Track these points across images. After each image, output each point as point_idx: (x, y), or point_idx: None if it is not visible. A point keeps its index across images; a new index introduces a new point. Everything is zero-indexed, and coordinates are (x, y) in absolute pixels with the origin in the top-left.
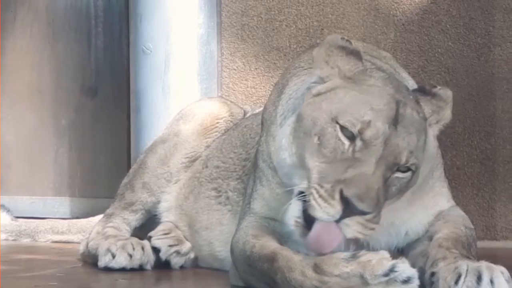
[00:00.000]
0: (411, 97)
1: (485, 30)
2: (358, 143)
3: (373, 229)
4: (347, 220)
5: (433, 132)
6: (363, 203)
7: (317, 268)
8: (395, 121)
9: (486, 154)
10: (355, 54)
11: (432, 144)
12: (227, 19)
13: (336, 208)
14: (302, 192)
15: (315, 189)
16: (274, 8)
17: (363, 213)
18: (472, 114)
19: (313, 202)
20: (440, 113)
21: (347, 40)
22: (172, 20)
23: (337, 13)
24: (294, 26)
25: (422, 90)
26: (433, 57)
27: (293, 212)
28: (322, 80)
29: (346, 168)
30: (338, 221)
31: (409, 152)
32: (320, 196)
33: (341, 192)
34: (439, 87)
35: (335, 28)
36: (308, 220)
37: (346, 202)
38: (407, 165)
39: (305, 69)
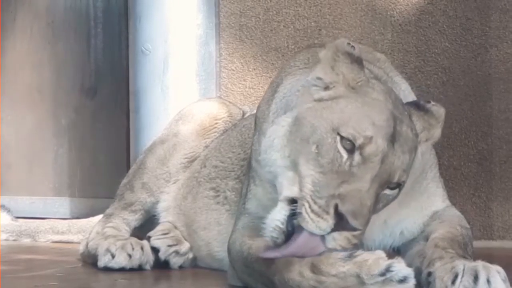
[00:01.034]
0: (406, 113)
1: (481, 30)
2: (356, 157)
3: (355, 244)
4: (335, 234)
5: (421, 149)
6: (356, 220)
7: (314, 268)
8: (392, 138)
9: (482, 154)
10: (359, 62)
11: (418, 160)
12: (226, 19)
13: (328, 223)
14: (291, 198)
15: (308, 202)
16: (272, 9)
17: (354, 229)
18: (469, 114)
19: (305, 215)
20: (430, 131)
21: (352, 46)
22: (170, 21)
23: (334, 13)
24: (292, 27)
25: (416, 105)
26: (430, 57)
27: (277, 216)
28: (324, 84)
29: (341, 183)
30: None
31: (402, 171)
32: (313, 211)
33: (335, 207)
34: (433, 103)
35: (332, 29)
36: (290, 227)
37: (339, 217)
38: (398, 182)
39: (300, 68)
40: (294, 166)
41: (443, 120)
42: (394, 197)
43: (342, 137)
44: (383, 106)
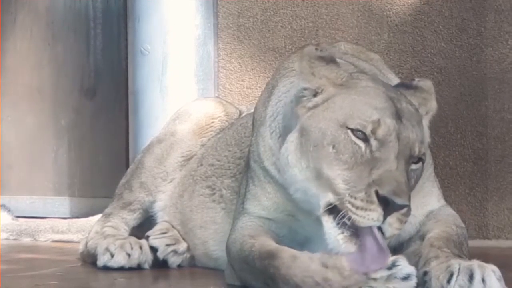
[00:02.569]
0: (399, 92)
1: (477, 31)
2: (373, 142)
3: (406, 221)
4: (389, 219)
5: (425, 122)
6: (400, 198)
7: (328, 260)
8: (398, 116)
9: (478, 154)
10: (334, 61)
11: (427, 134)
12: (224, 20)
13: (378, 212)
14: (330, 204)
15: (349, 202)
16: (270, 9)
17: (401, 207)
18: (464, 114)
19: (353, 215)
20: (427, 104)
21: (320, 49)
22: (169, 21)
23: (331, 14)
24: (289, 27)
25: (403, 86)
26: (426, 57)
27: (332, 231)
28: (312, 92)
29: (370, 170)
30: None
31: (420, 143)
32: (357, 207)
33: (377, 194)
34: (417, 79)
35: (329, 29)
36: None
37: (384, 202)
38: (420, 155)
39: (294, 69)
40: (318, 174)
41: (433, 91)
42: (421, 172)
43: (352, 130)
44: (377, 90)
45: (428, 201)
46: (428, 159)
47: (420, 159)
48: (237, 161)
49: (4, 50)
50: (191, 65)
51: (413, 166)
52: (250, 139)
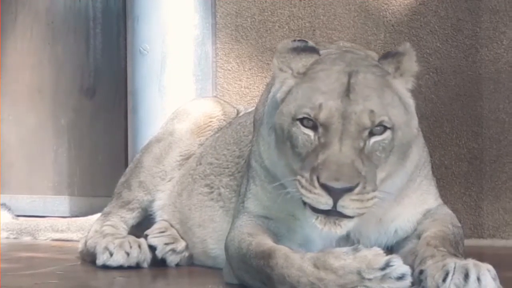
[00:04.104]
0: (366, 63)
1: (472, 31)
2: (320, 129)
3: (372, 198)
4: (341, 202)
5: (402, 84)
6: (338, 182)
7: (318, 261)
8: (347, 92)
9: (473, 154)
10: (309, 50)
11: (407, 95)
12: (222, 20)
13: (323, 196)
14: None
15: (298, 180)
16: (267, 10)
17: (347, 189)
18: (459, 114)
19: (303, 198)
20: (401, 66)
21: (300, 40)
22: (168, 21)
23: (328, 14)
24: (287, 27)
25: (383, 57)
26: (421, 57)
27: (309, 220)
28: (280, 87)
29: (316, 156)
30: (334, 206)
31: (370, 112)
32: (303, 186)
33: (318, 180)
34: (398, 46)
35: (326, 29)
36: None
37: (326, 188)
38: (379, 125)
39: None
40: (291, 170)
41: (410, 52)
42: (393, 140)
43: (301, 120)
44: (329, 71)
45: (426, 200)
46: (426, 157)
47: (385, 128)
48: (235, 160)
49: (4, 49)
50: (189, 65)
51: (377, 138)
52: (250, 138)
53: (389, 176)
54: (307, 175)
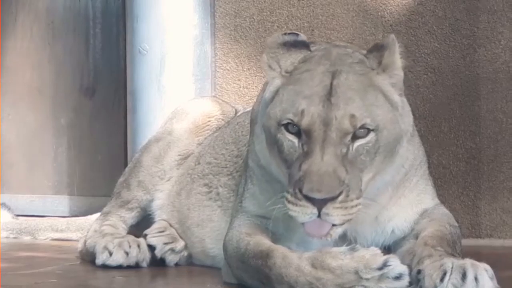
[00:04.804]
0: (350, 60)
1: (470, 31)
2: (303, 135)
3: (356, 205)
4: (324, 210)
5: (386, 80)
6: (320, 193)
7: (315, 261)
8: (328, 96)
9: (471, 153)
10: (299, 45)
11: (392, 91)
12: (221, 20)
13: (308, 207)
14: None
15: (285, 196)
16: (266, 10)
17: (330, 199)
18: (457, 114)
19: (290, 212)
20: (383, 61)
21: (290, 33)
22: (167, 21)
23: (327, 14)
24: (285, 27)
25: (369, 51)
26: (419, 57)
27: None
28: (269, 87)
29: (300, 165)
30: (319, 215)
31: (351, 116)
32: (290, 201)
33: (300, 192)
34: (384, 39)
35: (325, 29)
36: None
37: (309, 198)
38: (364, 127)
39: None
40: (282, 171)
41: (393, 45)
42: (376, 143)
43: (285, 125)
44: (313, 73)
45: (423, 200)
46: (422, 157)
47: (369, 130)
48: (234, 159)
49: (4, 49)
50: (188, 65)
51: (361, 141)
52: (248, 137)
53: (377, 174)
54: (291, 190)
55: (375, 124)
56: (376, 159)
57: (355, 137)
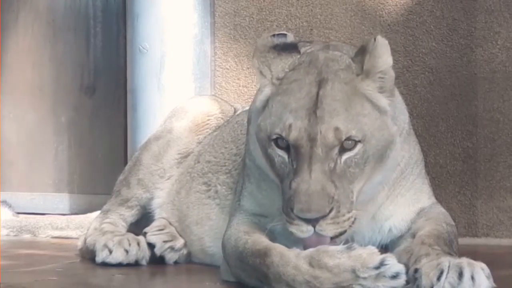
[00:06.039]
0: (337, 66)
1: (467, 31)
2: (292, 150)
3: (349, 219)
4: (318, 227)
5: (370, 86)
6: (310, 213)
7: (312, 260)
8: (314, 108)
9: (468, 153)
10: (289, 47)
11: (378, 96)
12: (220, 19)
13: (302, 225)
14: None
15: (281, 216)
16: (265, 9)
17: (322, 217)
18: (454, 113)
19: (289, 229)
20: (365, 66)
21: (279, 34)
22: (167, 20)
23: (325, 13)
24: (284, 26)
25: (356, 53)
26: (417, 57)
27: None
28: (260, 94)
29: (290, 183)
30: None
31: (335, 130)
32: (287, 221)
33: (292, 211)
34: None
35: (323, 29)
36: None
37: (301, 218)
38: (350, 139)
39: None
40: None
41: (376, 46)
42: (364, 153)
43: (275, 140)
44: (301, 83)
45: (419, 199)
46: (419, 155)
47: (355, 142)
48: (233, 158)
49: (5, 48)
50: (188, 64)
51: (348, 154)
52: (245, 137)
53: (369, 179)
54: (285, 209)
55: (361, 134)
56: (366, 168)
57: (343, 150)
